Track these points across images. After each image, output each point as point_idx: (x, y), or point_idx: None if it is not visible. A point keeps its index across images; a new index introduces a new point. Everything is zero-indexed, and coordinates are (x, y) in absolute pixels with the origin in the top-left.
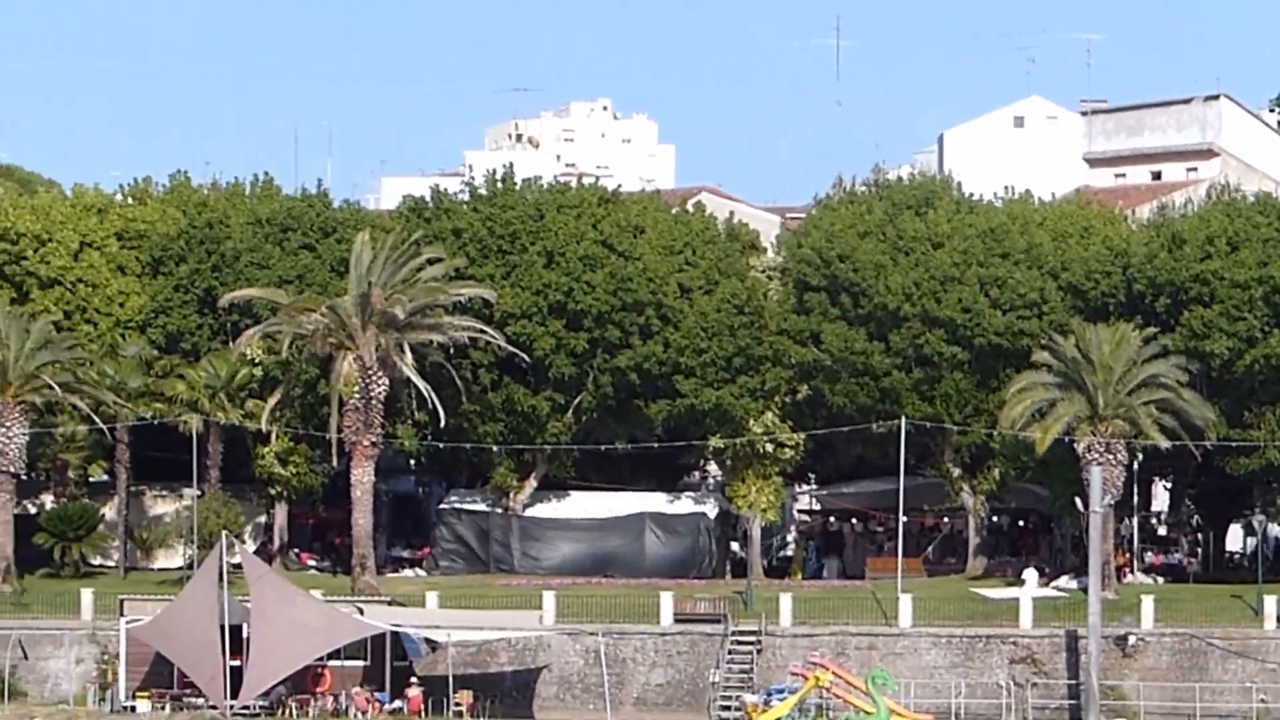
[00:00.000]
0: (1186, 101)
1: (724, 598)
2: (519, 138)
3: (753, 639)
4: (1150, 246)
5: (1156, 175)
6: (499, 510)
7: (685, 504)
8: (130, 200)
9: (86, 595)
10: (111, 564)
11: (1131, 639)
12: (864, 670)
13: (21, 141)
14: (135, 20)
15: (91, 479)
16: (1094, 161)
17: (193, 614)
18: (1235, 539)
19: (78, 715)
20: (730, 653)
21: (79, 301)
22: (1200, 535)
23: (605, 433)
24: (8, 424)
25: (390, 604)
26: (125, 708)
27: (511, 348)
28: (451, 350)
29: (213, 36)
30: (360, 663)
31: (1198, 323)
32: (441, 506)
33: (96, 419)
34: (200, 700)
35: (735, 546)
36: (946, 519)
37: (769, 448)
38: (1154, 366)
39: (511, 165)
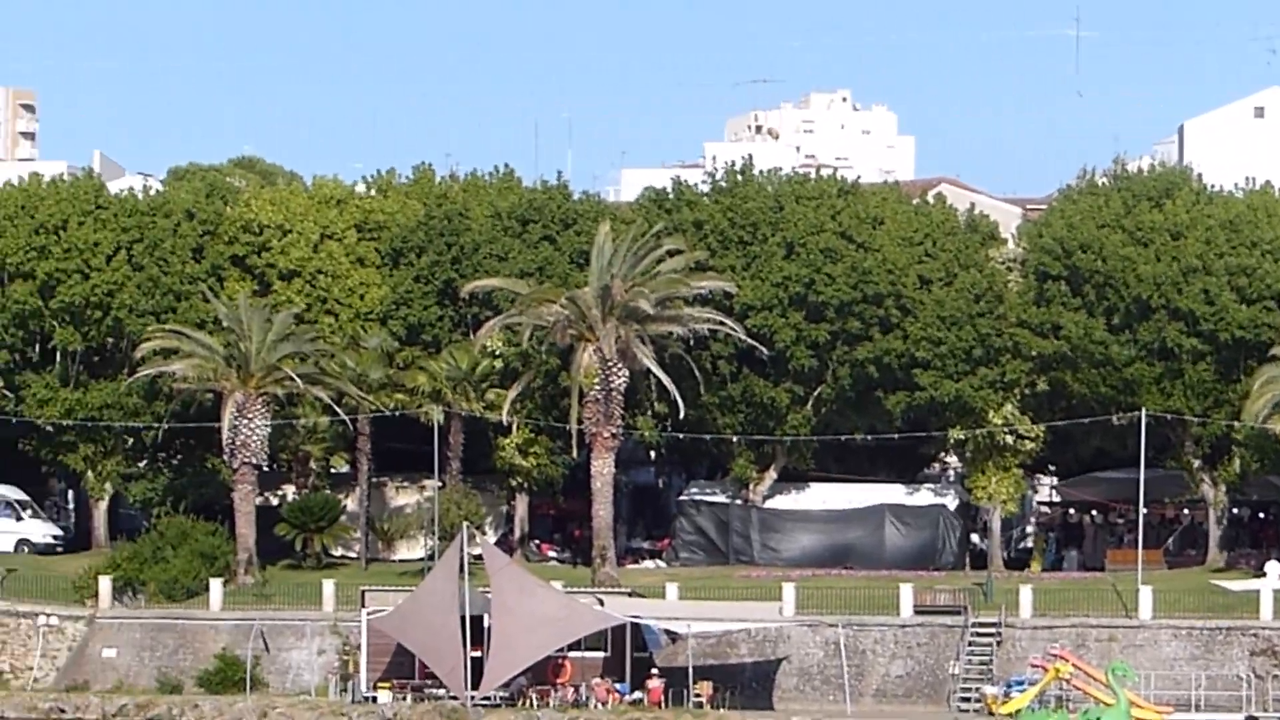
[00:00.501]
0: None
1: (964, 589)
2: (759, 129)
3: (993, 631)
4: None
5: None
6: (739, 502)
7: (925, 496)
8: (373, 192)
9: (328, 586)
10: (353, 555)
11: None
12: (1104, 662)
13: (263, 134)
14: (375, 15)
15: (333, 470)
16: None
17: (433, 605)
18: None
19: (319, 706)
20: (970, 644)
21: (319, 293)
22: None
23: (845, 424)
24: (250, 416)
25: (630, 595)
26: (366, 698)
27: (751, 340)
28: (691, 342)
29: (455, 30)
30: (600, 654)
31: None
32: (681, 498)
33: (338, 410)
34: (441, 691)
35: (975, 538)
36: (1186, 511)
37: (1009, 439)
38: None
39: (751, 157)
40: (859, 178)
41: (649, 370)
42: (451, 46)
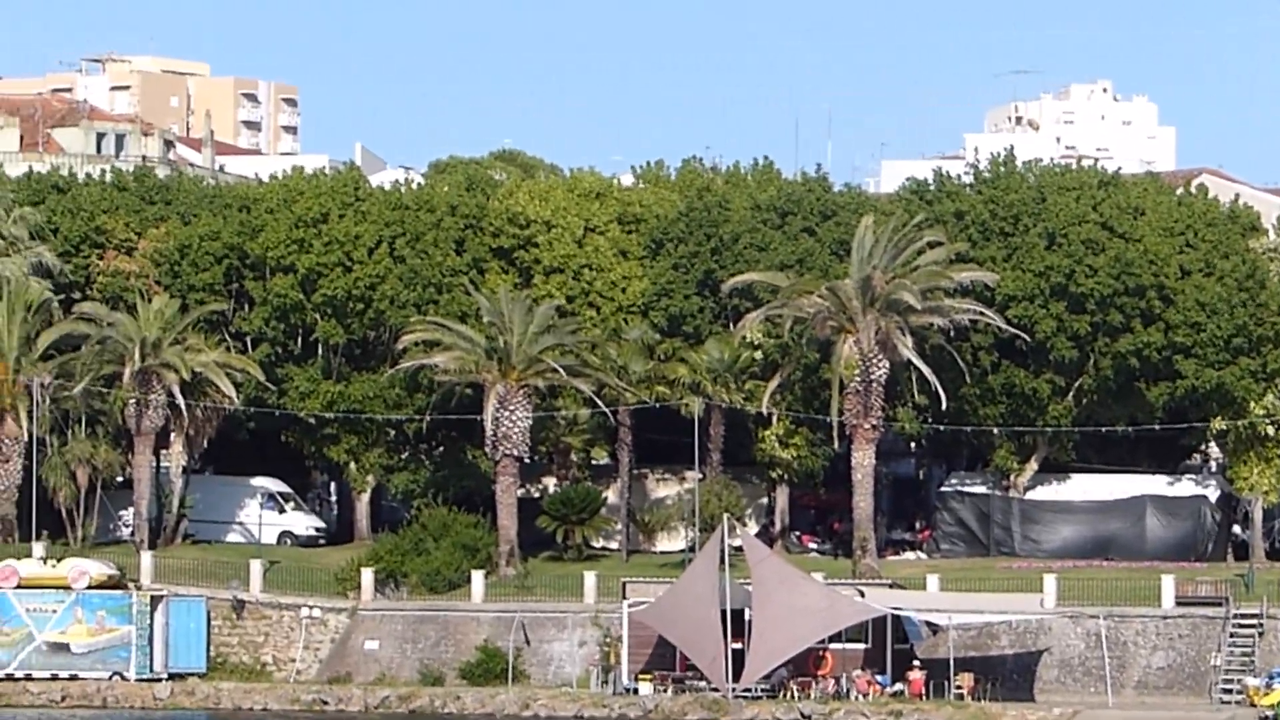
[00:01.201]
0: None
1: (1225, 581)
2: (1018, 120)
3: (1254, 622)
4: None
5: None
6: (999, 493)
7: (1186, 486)
8: (641, 184)
9: (589, 578)
10: (614, 547)
11: None
12: None
13: (523, 126)
14: (636, 8)
15: (594, 462)
16: None
17: (694, 596)
18: None
19: (580, 698)
20: (1232, 636)
21: (582, 286)
22: None
23: (1106, 415)
24: (511, 407)
25: (891, 587)
26: (627, 690)
27: (1013, 330)
28: (952, 333)
29: (716, 23)
30: (861, 645)
31: None
32: (942, 489)
33: (599, 402)
34: (702, 683)
35: (1236, 529)
36: None
37: (1270, 430)
38: None
39: (1012, 148)
40: (1119, 169)
41: (909, 361)
42: (713, 39)
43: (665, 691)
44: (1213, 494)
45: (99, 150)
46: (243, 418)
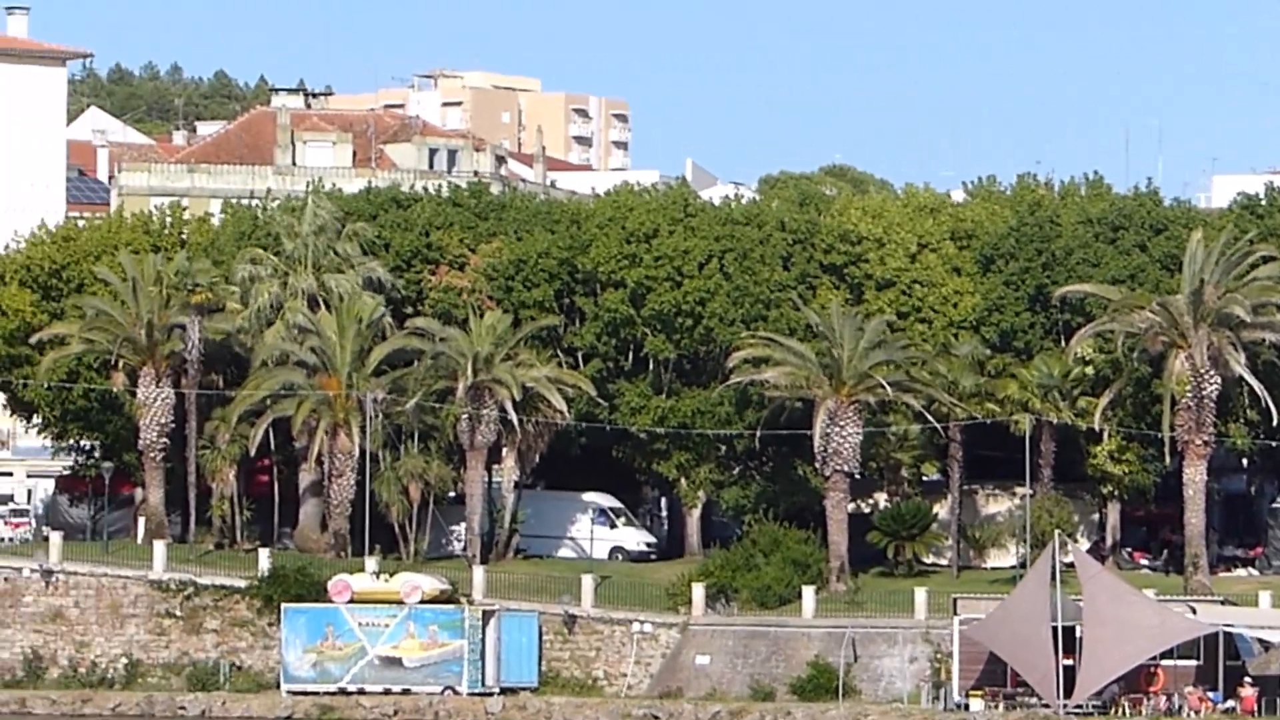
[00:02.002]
0: None
1: None
2: None
3: None
4: None
5: None
6: None
7: None
8: (973, 200)
9: (919, 594)
10: (944, 563)
11: None
12: None
13: (853, 141)
14: (964, 25)
15: (924, 478)
16: None
17: (1025, 613)
18: None
19: (911, 714)
20: None
21: (914, 302)
22: None
23: None
24: (842, 423)
25: (1223, 603)
26: (958, 706)
27: None
28: None
29: (1041, 39)
30: (1193, 662)
31: None
32: (1274, 505)
33: (929, 418)
34: (1033, 699)
35: None
36: None
37: None
38: None
39: None
40: None
41: (1241, 377)
42: (1041, 55)
43: (996, 708)
44: None
45: (431, 166)
46: (574, 433)
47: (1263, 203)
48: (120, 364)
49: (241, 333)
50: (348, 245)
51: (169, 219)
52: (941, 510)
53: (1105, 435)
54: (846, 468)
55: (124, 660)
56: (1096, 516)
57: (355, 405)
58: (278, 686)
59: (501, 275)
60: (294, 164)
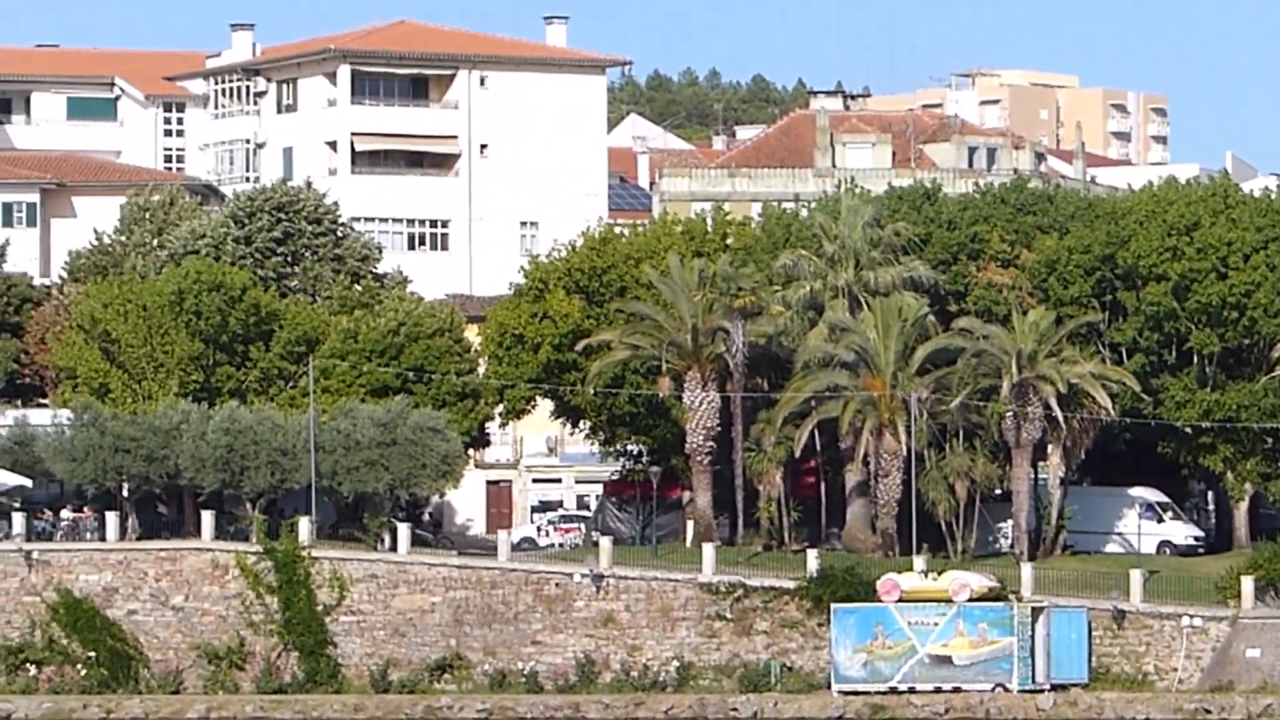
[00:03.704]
0: None
1: None
2: None
3: None
4: None
5: None
6: None
7: None
8: None
9: None
10: None
11: None
12: None
13: None
14: None
15: None
16: None
17: None
18: None
19: None
20: None
21: None
22: None
23: None
24: None
25: None
26: None
27: None
28: None
29: None
30: None
31: None
32: None
33: None
34: None
35: None
36: None
37: None
38: None
39: None
40: None
41: None
42: None
43: None
44: None
45: (970, 165)
46: (1118, 428)
47: None
48: (665, 369)
49: (783, 335)
50: (888, 243)
51: (712, 223)
52: None
53: None
54: None
55: (675, 663)
56: None
57: (900, 405)
58: (828, 687)
59: (1040, 272)
60: (833, 166)
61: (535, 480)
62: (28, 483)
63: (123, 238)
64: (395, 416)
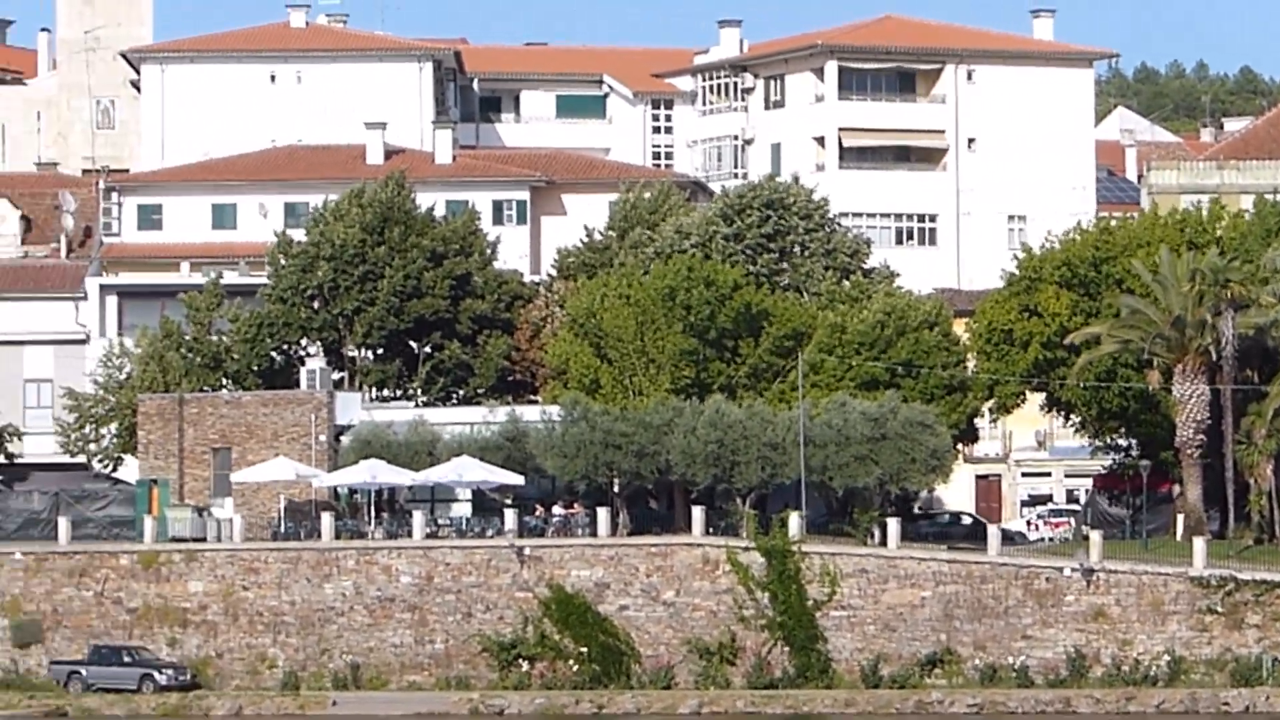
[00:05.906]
0: None
1: None
2: None
3: None
4: None
5: None
6: None
7: None
8: None
9: None
10: None
11: None
12: None
13: None
14: None
15: None
16: None
17: None
18: None
19: None
20: None
21: None
22: None
23: None
24: None
25: None
26: None
27: None
28: None
29: None
30: None
31: None
32: None
33: None
34: None
35: None
36: None
37: None
38: None
39: None
40: None
41: None
42: None
43: None
44: None
45: None
46: None
47: None
48: (1155, 361)
49: (1274, 326)
50: None
51: (1205, 215)
52: None
53: None
54: None
55: (1166, 658)
56: None
57: None
58: None
59: None
60: None
61: (1024, 474)
62: (519, 480)
63: (613, 234)
64: (886, 411)
